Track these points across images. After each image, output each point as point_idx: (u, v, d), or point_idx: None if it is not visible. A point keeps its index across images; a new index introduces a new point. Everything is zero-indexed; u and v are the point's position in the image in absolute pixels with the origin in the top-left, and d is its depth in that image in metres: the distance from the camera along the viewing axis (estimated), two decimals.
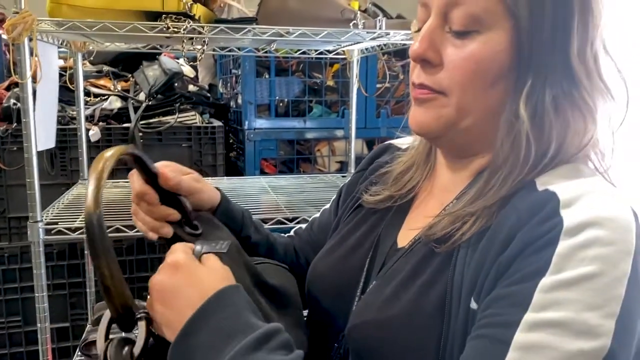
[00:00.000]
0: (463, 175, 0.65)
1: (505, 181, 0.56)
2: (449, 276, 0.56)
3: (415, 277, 0.59)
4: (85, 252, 1.75)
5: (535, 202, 0.53)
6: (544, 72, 0.55)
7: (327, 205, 0.90)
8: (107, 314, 0.57)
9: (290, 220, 1.19)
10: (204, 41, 1.12)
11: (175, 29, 1.04)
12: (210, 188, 0.79)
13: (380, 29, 1.15)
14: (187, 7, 1.05)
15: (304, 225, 0.93)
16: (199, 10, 1.10)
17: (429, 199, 0.69)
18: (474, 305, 0.53)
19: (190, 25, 1.05)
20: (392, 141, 0.84)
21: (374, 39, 1.20)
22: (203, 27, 1.08)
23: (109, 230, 1.12)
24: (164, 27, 1.05)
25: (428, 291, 0.57)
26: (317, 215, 0.91)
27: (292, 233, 0.94)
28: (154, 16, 1.09)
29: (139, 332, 0.55)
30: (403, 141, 0.81)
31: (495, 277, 0.51)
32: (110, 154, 0.57)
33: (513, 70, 0.56)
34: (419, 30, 0.62)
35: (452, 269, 0.56)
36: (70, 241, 1.92)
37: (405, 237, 0.67)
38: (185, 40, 1.10)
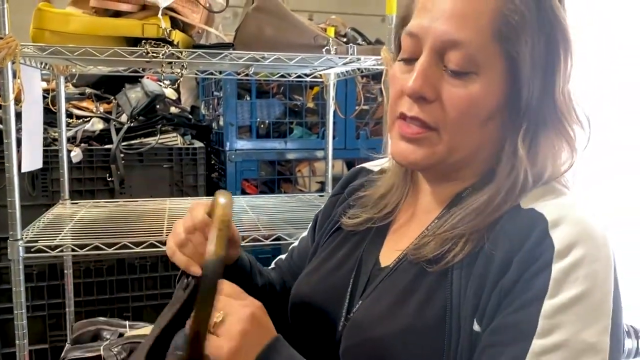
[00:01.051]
0: (442, 197, 0.68)
1: (500, 207, 0.60)
2: (447, 293, 0.58)
3: (410, 294, 0.61)
4: (65, 271, 1.74)
5: (524, 224, 0.57)
6: (536, 111, 0.60)
7: (305, 233, 0.91)
8: (146, 344, 0.58)
9: (266, 238, 1.23)
10: (183, 65, 1.17)
11: (155, 54, 1.09)
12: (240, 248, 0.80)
13: (352, 54, 1.21)
14: (165, 33, 1.10)
15: (283, 256, 0.94)
16: (177, 36, 1.15)
17: (409, 219, 0.72)
18: (477, 327, 0.56)
19: (168, 50, 1.09)
20: (364, 164, 0.87)
21: (346, 64, 1.26)
22: (181, 52, 1.13)
23: (87, 248, 1.15)
24: (144, 52, 1.10)
25: (425, 308, 0.59)
26: (296, 243, 0.92)
27: (273, 265, 0.94)
28: (134, 42, 1.13)
29: None
30: (374, 164, 0.84)
31: (497, 301, 0.55)
32: (228, 200, 0.57)
33: (505, 109, 0.61)
34: (408, 60, 0.63)
35: (449, 287, 0.59)
36: (50, 262, 1.93)
37: (387, 256, 0.69)
38: (164, 64, 1.15)
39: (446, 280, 0.59)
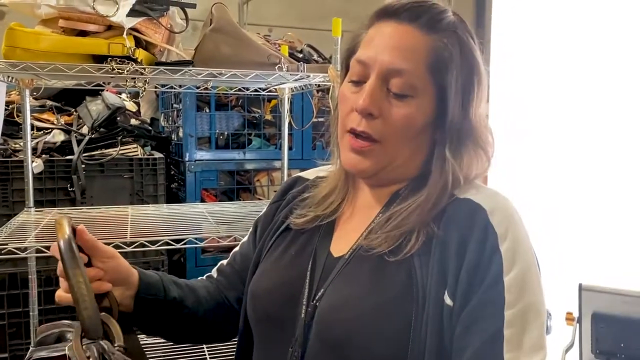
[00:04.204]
0: (381, 195, 0.81)
1: (439, 201, 0.73)
2: (412, 272, 0.69)
3: (375, 277, 0.71)
4: (30, 276, 1.79)
5: (467, 212, 0.71)
6: (457, 128, 0.74)
7: (245, 238, 0.97)
8: (76, 332, 0.65)
9: (223, 239, 1.33)
10: (146, 80, 1.27)
11: (120, 70, 1.18)
12: (125, 261, 0.82)
13: (302, 71, 1.34)
14: (130, 51, 1.20)
15: (225, 261, 0.99)
16: (141, 54, 1.25)
17: (354, 215, 0.83)
18: (449, 301, 0.67)
19: (133, 67, 1.19)
20: (299, 174, 0.97)
21: (297, 80, 1.38)
22: (145, 69, 1.23)
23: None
24: (110, 68, 1.19)
25: (391, 285, 0.70)
26: (237, 248, 0.98)
27: (214, 272, 0.98)
28: (100, 59, 1.23)
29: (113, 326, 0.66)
30: (309, 173, 0.96)
31: (467, 281, 0.67)
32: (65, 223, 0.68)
33: (433, 126, 0.75)
34: (357, 82, 0.75)
35: (413, 267, 0.70)
36: (10, 271, 1.95)
37: (339, 248, 0.79)
38: (128, 80, 1.24)
39: (408, 264, 0.70)
